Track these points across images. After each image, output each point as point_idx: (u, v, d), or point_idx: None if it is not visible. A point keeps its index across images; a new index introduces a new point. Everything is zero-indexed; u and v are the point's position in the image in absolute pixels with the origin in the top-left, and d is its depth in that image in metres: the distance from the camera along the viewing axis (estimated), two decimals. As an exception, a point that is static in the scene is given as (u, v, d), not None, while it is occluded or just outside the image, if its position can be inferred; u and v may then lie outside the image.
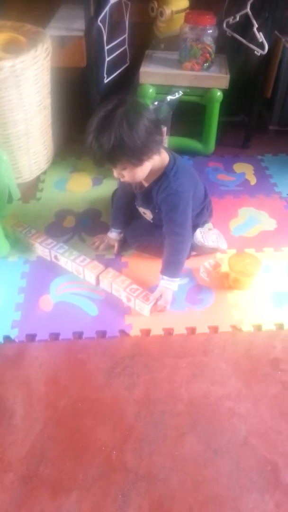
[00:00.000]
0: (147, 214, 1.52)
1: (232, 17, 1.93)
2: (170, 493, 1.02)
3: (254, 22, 1.81)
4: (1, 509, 0.99)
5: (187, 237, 1.42)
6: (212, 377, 1.25)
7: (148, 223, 1.56)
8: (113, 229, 1.61)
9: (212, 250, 1.58)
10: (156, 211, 1.46)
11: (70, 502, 1.00)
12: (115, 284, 1.43)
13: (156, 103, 1.86)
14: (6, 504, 1.00)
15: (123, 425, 1.14)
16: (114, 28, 2.01)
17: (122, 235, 1.61)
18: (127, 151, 1.22)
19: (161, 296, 1.40)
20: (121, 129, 1.19)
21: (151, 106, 1.86)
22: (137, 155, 1.25)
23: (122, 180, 1.36)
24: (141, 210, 1.54)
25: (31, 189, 1.93)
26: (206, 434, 1.13)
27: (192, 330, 1.37)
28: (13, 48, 1.77)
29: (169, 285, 1.42)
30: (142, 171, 1.32)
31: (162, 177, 1.38)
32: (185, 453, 1.09)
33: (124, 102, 1.22)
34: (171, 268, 1.42)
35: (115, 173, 1.33)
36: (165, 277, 1.42)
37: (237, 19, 1.93)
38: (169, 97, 1.90)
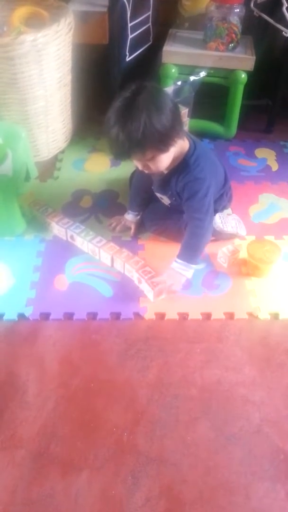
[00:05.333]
0: (164, 200, 1.50)
1: (261, -4, 1.87)
2: (180, 477, 1.01)
3: (284, 1, 1.75)
4: (11, 484, 0.99)
5: (208, 223, 1.39)
6: (227, 363, 1.24)
7: (165, 207, 1.54)
8: (130, 211, 1.59)
9: (231, 236, 1.55)
10: (174, 198, 1.44)
11: (80, 481, 1.00)
12: (128, 264, 1.42)
13: (178, 83, 1.82)
14: (17, 479, 1.00)
15: (135, 408, 1.13)
16: (138, 5, 1.96)
17: (139, 217, 1.59)
18: (158, 136, 1.18)
19: (166, 279, 1.37)
20: (150, 113, 1.15)
21: (173, 86, 1.83)
22: (166, 140, 1.21)
23: (146, 171, 1.32)
24: (158, 195, 1.52)
25: (49, 168, 1.91)
26: (218, 420, 1.12)
27: (207, 316, 1.35)
28: (35, 23, 1.75)
29: (183, 271, 1.39)
30: (168, 158, 1.29)
31: (182, 164, 1.35)
32: (196, 438, 1.08)
33: (144, 87, 1.19)
34: (188, 252, 1.40)
35: (140, 165, 1.30)
36: (179, 260, 1.39)
37: (266, -3, 1.87)
38: (192, 78, 1.85)
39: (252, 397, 1.16)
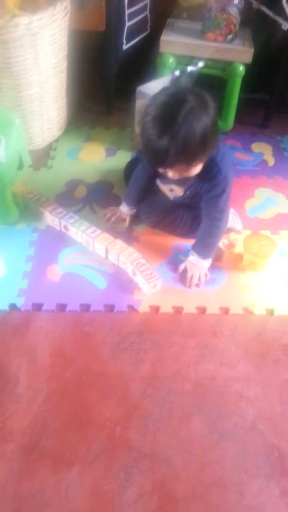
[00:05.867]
0: (175, 191, 1.43)
1: (261, -12, 1.85)
2: (173, 473, 1.00)
3: (284, -7, 1.73)
4: (1, 478, 0.97)
5: (225, 222, 1.38)
6: (221, 358, 1.22)
7: (165, 201, 1.49)
8: (126, 204, 1.55)
9: (227, 230, 1.52)
10: (188, 192, 1.39)
11: (71, 475, 0.98)
12: (122, 256, 1.39)
13: (177, 73, 1.79)
14: (6, 474, 0.98)
15: (128, 402, 1.11)
16: (136, -8, 1.93)
17: (134, 210, 1.56)
18: (210, 144, 1.14)
19: (186, 270, 1.39)
20: (204, 121, 1.09)
21: (171, 77, 1.80)
22: (212, 145, 1.17)
23: (176, 178, 1.26)
24: (169, 187, 1.44)
25: (43, 156, 1.87)
26: (212, 416, 1.10)
27: (202, 310, 1.33)
28: (29, 7, 1.70)
29: (201, 263, 1.38)
30: (201, 166, 1.23)
31: (210, 162, 1.27)
32: (190, 434, 1.07)
33: (188, 91, 1.11)
34: (204, 249, 1.38)
35: (175, 174, 1.22)
36: (195, 254, 1.38)
37: (265, -10, 1.84)
38: (189, 68, 1.83)
39: (247, 393, 1.15)
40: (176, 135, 1.08)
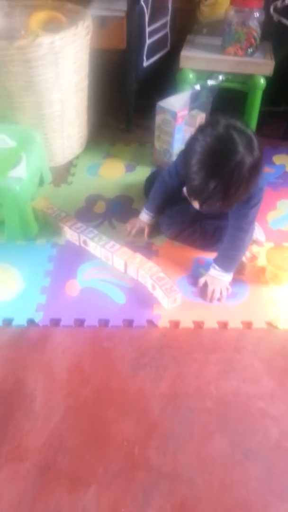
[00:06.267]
0: None
1: (281, 0, 1.84)
2: (194, 495, 0.95)
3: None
4: (15, 498, 0.94)
5: (250, 235, 1.36)
6: (244, 375, 1.17)
7: (187, 212, 1.44)
8: (146, 211, 1.53)
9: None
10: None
11: (87, 497, 0.95)
12: (142, 270, 1.37)
13: (197, 87, 1.78)
14: (21, 494, 0.95)
15: (147, 420, 1.08)
16: (156, 11, 1.95)
17: (154, 220, 1.54)
18: (253, 184, 1.15)
19: (206, 284, 1.36)
20: (250, 165, 1.07)
21: (191, 90, 1.79)
22: (255, 185, 1.17)
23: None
24: None
25: (63, 173, 1.88)
26: (235, 434, 1.05)
27: (224, 325, 1.29)
28: (52, 27, 1.74)
29: (222, 277, 1.35)
30: None
31: None
32: (212, 453, 1.02)
33: (235, 133, 1.06)
34: (227, 263, 1.35)
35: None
36: (217, 267, 1.35)
37: (286, 2, 1.84)
38: (209, 82, 1.82)
39: (271, 411, 1.10)
40: (224, 186, 1.08)
